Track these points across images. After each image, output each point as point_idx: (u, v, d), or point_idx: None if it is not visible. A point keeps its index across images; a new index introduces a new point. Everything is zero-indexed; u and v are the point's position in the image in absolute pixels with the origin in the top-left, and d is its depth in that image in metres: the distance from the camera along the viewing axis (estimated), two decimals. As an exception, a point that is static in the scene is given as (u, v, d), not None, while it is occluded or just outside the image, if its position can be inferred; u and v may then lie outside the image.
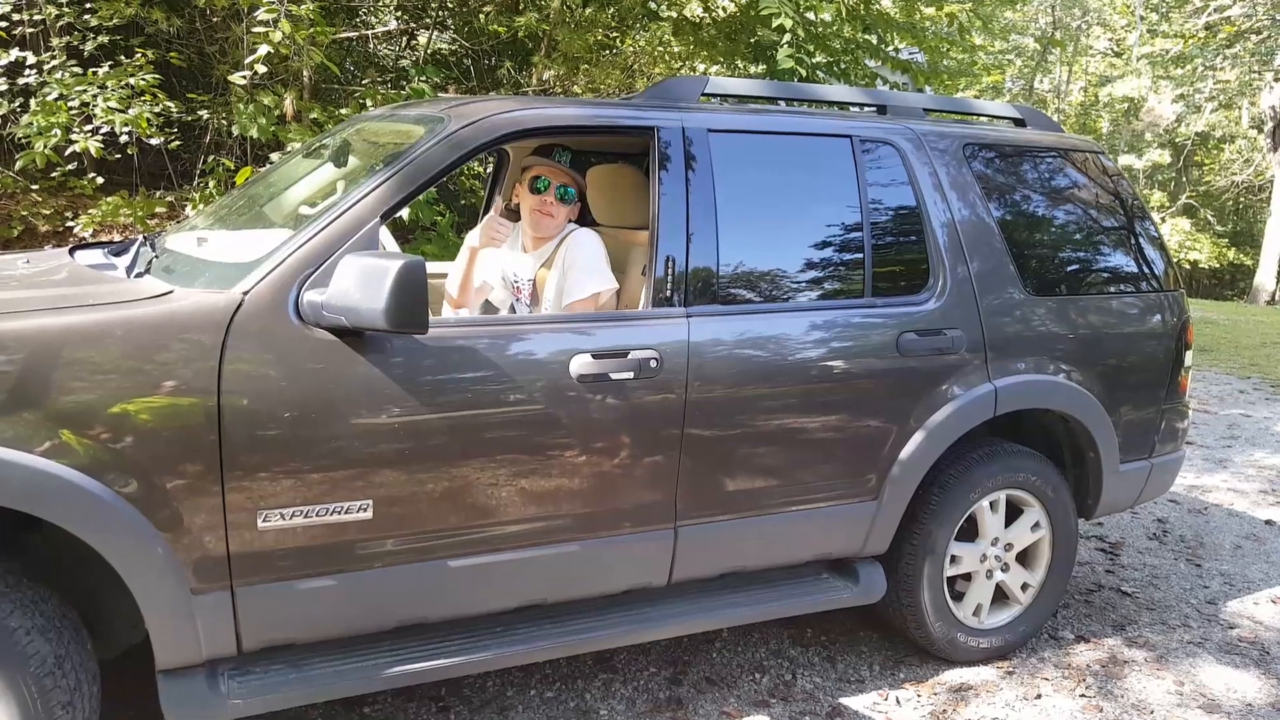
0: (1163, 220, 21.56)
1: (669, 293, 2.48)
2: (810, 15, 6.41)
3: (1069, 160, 3.24)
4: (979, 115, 3.49)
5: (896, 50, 8.01)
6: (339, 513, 2.14)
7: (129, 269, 2.36)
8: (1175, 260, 3.33)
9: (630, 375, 2.38)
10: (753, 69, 7.62)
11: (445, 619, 2.37)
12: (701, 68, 8.30)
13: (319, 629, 2.22)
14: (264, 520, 2.07)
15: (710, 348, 2.49)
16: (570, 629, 2.50)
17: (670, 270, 2.49)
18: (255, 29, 4.86)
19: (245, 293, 2.08)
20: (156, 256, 2.41)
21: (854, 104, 3.24)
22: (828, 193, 2.76)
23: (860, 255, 2.77)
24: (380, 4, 8.25)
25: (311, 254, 2.15)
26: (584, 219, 3.18)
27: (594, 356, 2.35)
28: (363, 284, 2.02)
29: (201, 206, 5.90)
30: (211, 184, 6.00)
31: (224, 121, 6.52)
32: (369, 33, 8.07)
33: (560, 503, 2.37)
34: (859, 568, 2.89)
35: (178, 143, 6.34)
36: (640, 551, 2.53)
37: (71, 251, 2.74)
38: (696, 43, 7.79)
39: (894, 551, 2.92)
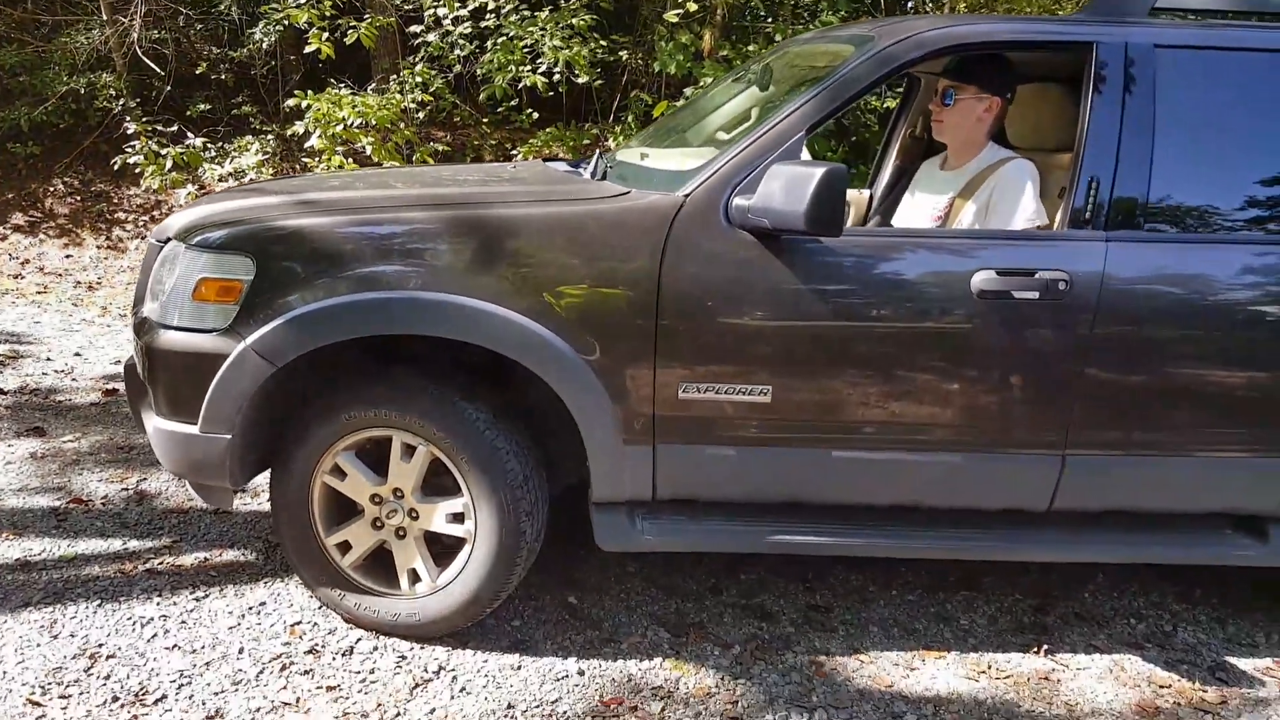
0: None
1: (1088, 216, 2.43)
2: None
3: None
4: None
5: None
6: (743, 393, 2.43)
7: (592, 174, 2.81)
8: None
9: (1035, 295, 2.38)
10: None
11: (825, 502, 2.59)
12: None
13: (717, 491, 2.55)
14: (684, 392, 2.41)
15: (1128, 277, 2.40)
16: (943, 535, 2.60)
17: (1093, 194, 2.42)
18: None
19: (686, 195, 2.40)
20: (611, 166, 2.84)
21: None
22: (1292, 118, 2.49)
23: (1323, 190, 2.47)
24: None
25: (743, 163, 2.41)
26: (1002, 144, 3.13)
27: (999, 273, 2.39)
28: (787, 189, 2.24)
29: (621, 139, 6.57)
30: (629, 118, 6.66)
31: (640, 62, 7.15)
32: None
33: (946, 413, 2.46)
34: (1270, 528, 2.65)
35: (600, 81, 7.09)
36: (1023, 473, 2.55)
37: (544, 161, 3.30)
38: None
39: None
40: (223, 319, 2.37)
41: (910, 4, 7.46)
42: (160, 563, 3.01)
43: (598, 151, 3.20)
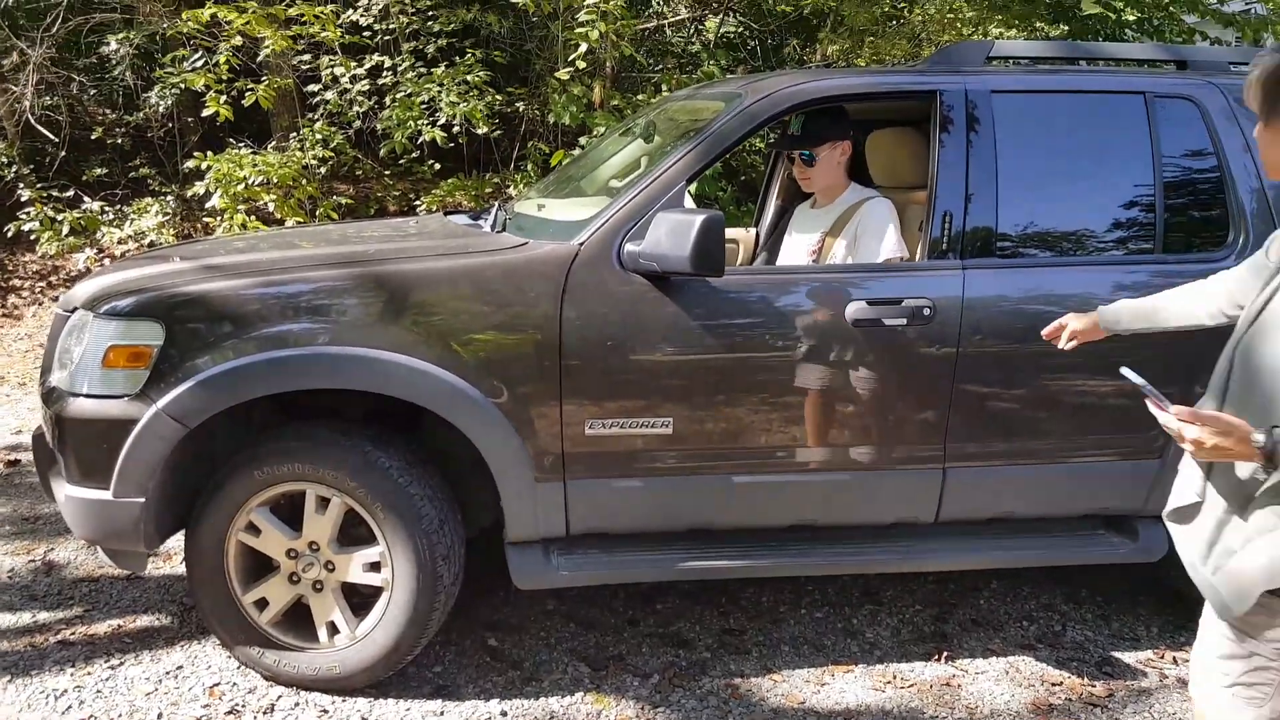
0: None
1: (945, 247, 2.67)
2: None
3: None
4: None
5: (1222, 2, 7.32)
6: (646, 426, 2.57)
7: (492, 226, 2.94)
8: None
9: (903, 321, 2.60)
10: (1053, 31, 7.31)
11: (729, 527, 2.75)
12: (996, 33, 8.06)
13: (628, 522, 2.68)
14: (590, 428, 2.54)
15: (985, 300, 2.63)
16: (841, 551, 2.77)
17: (947, 226, 2.66)
18: (577, 29, 5.52)
19: (581, 244, 2.56)
20: (510, 218, 2.98)
21: (1151, 60, 3.18)
22: (1116, 150, 2.78)
23: (1151, 214, 2.76)
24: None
25: (631, 212, 2.58)
26: (863, 181, 3.39)
27: (869, 303, 2.60)
28: (672, 234, 2.41)
29: (522, 187, 6.72)
30: (529, 166, 6.81)
31: (537, 111, 7.33)
32: (663, 23, 8.63)
33: (833, 435, 2.65)
34: (1139, 526, 2.87)
35: (499, 132, 7.23)
36: (908, 487, 2.74)
37: (445, 214, 3.42)
38: (989, 7, 7.59)
39: None
40: (133, 384, 2.41)
41: (785, 51, 7.88)
42: (72, 633, 2.97)
43: (497, 204, 3.35)
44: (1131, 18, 7.19)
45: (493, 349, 2.49)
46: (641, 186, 2.62)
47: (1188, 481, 1.75)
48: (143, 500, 2.44)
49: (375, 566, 2.59)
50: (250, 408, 2.52)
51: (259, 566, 2.65)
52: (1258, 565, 1.57)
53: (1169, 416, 1.61)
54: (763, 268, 3.06)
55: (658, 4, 8.30)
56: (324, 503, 2.56)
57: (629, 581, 2.73)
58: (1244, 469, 1.59)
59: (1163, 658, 2.95)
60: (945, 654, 2.93)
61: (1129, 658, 2.94)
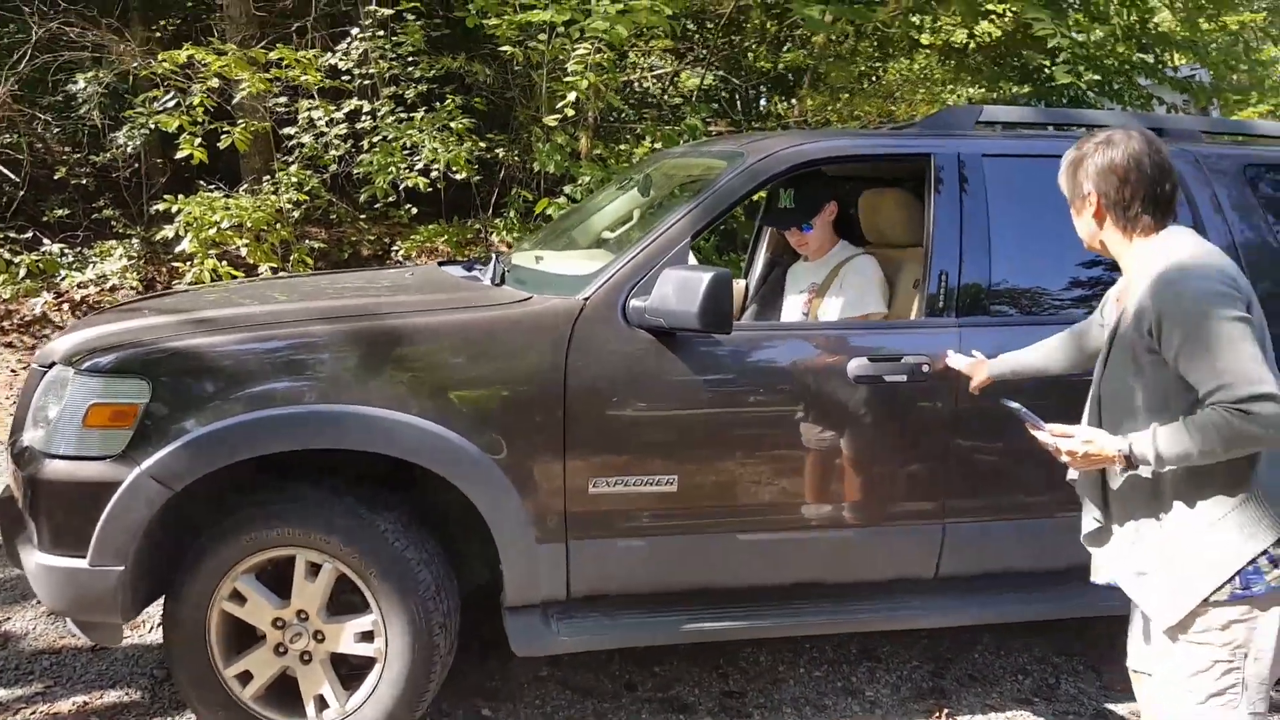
0: None
1: (941, 305, 2.68)
2: (1081, 36, 6.30)
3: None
4: (1268, 137, 3.37)
5: (1175, 69, 7.59)
6: (650, 484, 2.51)
7: (491, 279, 2.88)
8: None
9: (903, 378, 2.59)
10: (1017, 90, 7.50)
11: (733, 587, 2.68)
12: (965, 92, 8.27)
13: (630, 584, 2.60)
14: (594, 486, 2.48)
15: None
16: (843, 609, 2.72)
17: (943, 284, 2.68)
18: (565, 79, 5.56)
19: (586, 299, 2.51)
20: (508, 270, 2.93)
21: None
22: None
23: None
24: (650, 47, 8.88)
25: (636, 268, 2.55)
26: (854, 239, 3.41)
27: (870, 359, 2.59)
28: (679, 291, 2.38)
29: (504, 233, 6.68)
30: (511, 213, 6.78)
31: (518, 159, 7.33)
32: (647, 75, 8.71)
33: (838, 491, 2.62)
34: None
35: (479, 178, 7.20)
36: (909, 543, 2.72)
37: (439, 265, 3.36)
38: (960, 68, 7.79)
39: None
40: (116, 445, 2.29)
41: (763, 105, 8.00)
42: (33, 712, 2.78)
43: (494, 255, 3.30)
44: (1094, 78, 7.40)
45: (495, 405, 2.42)
46: (646, 242, 2.60)
47: (1088, 508, 2.05)
48: (121, 569, 2.31)
49: (368, 636, 2.47)
50: (234, 468, 2.41)
51: (242, 637, 2.52)
52: (1171, 594, 1.80)
53: (1045, 434, 1.91)
54: (766, 324, 3.06)
55: (636, 55, 8.38)
56: (314, 569, 2.45)
57: (631, 645, 2.64)
58: (1123, 486, 1.89)
59: (1159, 712, 2.93)
60: (945, 711, 2.89)
61: (1121, 709, 2.92)
